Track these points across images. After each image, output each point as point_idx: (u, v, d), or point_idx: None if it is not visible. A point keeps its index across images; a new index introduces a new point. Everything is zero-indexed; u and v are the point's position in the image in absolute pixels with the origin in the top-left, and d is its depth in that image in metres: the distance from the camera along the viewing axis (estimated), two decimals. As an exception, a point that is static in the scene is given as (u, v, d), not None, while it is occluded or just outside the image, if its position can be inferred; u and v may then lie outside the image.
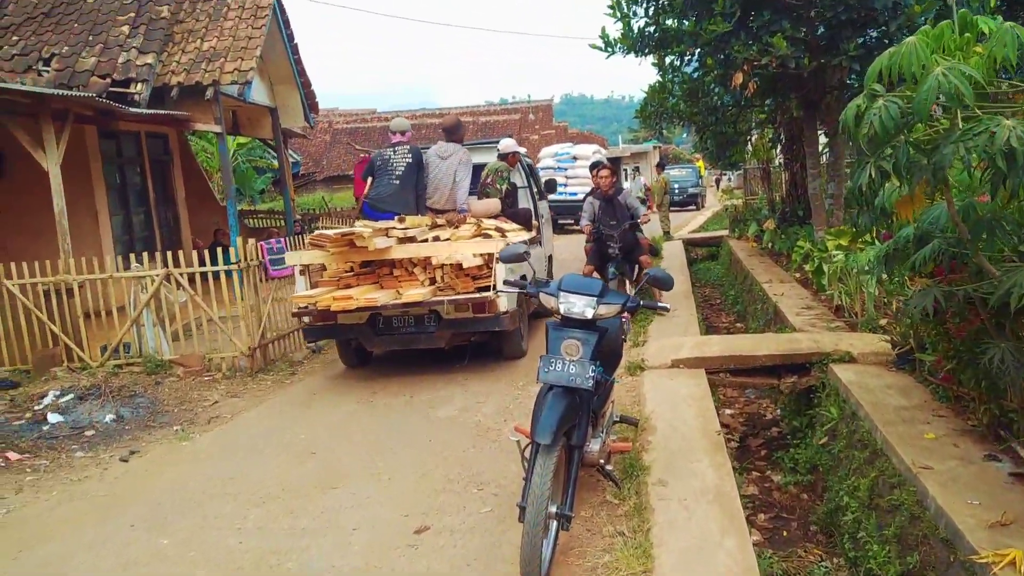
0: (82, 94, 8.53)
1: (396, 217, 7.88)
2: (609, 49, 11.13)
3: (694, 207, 36.69)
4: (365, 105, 53.14)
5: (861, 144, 3.64)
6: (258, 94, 14.14)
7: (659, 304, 4.19)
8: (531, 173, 10.23)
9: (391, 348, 7.98)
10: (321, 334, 7.94)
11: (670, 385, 6.31)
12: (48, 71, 11.23)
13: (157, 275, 8.25)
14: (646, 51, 11.34)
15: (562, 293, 3.97)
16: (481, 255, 7.23)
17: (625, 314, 4.07)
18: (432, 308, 7.34)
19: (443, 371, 7.93)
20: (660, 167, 23.67)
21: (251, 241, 8.58)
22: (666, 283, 4.11)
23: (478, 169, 9.11)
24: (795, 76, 10.19)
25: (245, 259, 8.30)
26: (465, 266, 7.15)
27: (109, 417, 6.80)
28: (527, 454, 3.79)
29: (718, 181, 55.59)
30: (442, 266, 7.28)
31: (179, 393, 7.62)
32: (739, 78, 9.57)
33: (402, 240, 7.42)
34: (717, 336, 8.76)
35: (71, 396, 7.18)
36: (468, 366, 7.99)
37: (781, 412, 8.02)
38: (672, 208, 22.78)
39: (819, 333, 7.36)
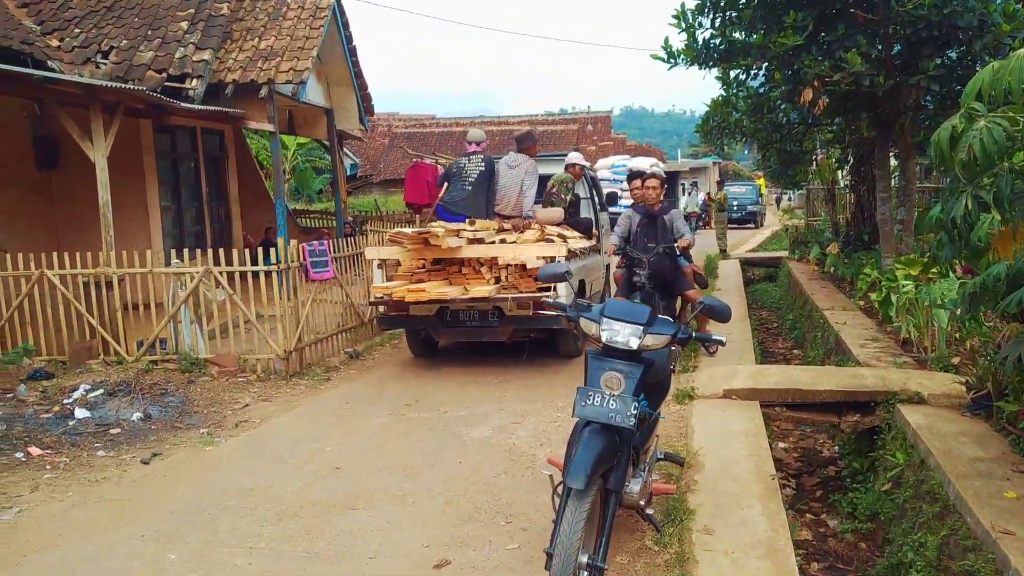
0: (130, 87, 8.47)
1: (467, 220, 8.52)
2: (672, 60, 10.71)
3: (753, 225, 35.82)
4: (425, 110, 53.41)
5: (956, 170, 3.20)
6: (314, 95, 14.07)
7: (713, 337, 3.78)
8: (594, 185, 10.61)
9: (457, 339, 8.78)
10: (394, 323, 8.59)
11: (721, 418, 5.88)
12: (106, 64, 11.27)
13: (197, 272, 8.11)
14: (710, 63, 10.89)
15: (605, 320, 3.61)
16: (544, 257, 7.75)
17: (675, 344, 3.69)
18: (496, 304, 7.92)
19: (481, 386, 7.61)
20: (720, 183, 23.11)
21: (292, 242, 8.39)
22: (722, 314, 3.70)
23: (544, 179, 9.72)
24: (868, 95, 9.66)
25: (286, 260, 8.10)
26: (529, 267, 7.76)
27: (136, 415, 6.64)
28: (559, 491, 3.43)
29: (778, 200, 54.45)
30: (507, 266, 7.91)
31: (210, 394, 7.44)
32: (808, 94, 9.08)
33: (472, 241, 8.05)
34: (774, 366, 8.26)
35: (101, 391, 7.04)
36: (507, 383, 7.67)
37: (839, 450, 7.50)
38: (730, 225, 22.15)
39: (885, 369, 6.84)
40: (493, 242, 8.04)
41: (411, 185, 15.15)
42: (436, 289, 7.74)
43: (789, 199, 57.68)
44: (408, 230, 8.30)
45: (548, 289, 7.63)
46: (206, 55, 11.57)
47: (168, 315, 8.21)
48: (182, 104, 9.90)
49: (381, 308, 8.27)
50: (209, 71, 11.56)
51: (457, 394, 7.37)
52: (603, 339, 3.59)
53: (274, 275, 8.08)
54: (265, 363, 8.17)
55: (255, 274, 8.17)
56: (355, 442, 5.99)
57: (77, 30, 11.74)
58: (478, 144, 9.47)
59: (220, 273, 8.13)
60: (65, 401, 6.90)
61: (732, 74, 11.35)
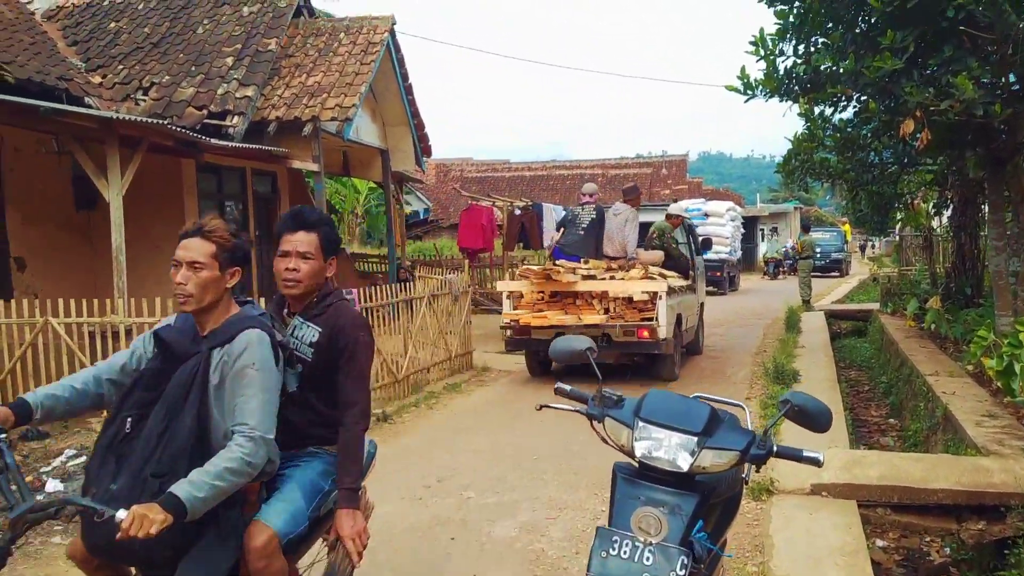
0: (148, 120, 7.84)
1: (580, 260, 9.88)
2: (749, 92, 9.55)
3: (837, 273, 33.89)
4: (500, 156, 53.20)
5: None
6: (368, 135, 13.43)
7: (806, 454, 2.59)
8: (690, 232, 12.04)
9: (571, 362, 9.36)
10: (519, 345, 9.97)
11: (809, 525, 4.63)
12: (145, 100, 10.82)
13: (208, 323, 7.29)
14: (793, 95, 9.69)
15: (641, 423, 2.51)
16: (647, 292, 9.29)
17: (747, 463, 2.55)
18: (605, 331, 9.24)
19: (517, 463, 6.51)
20: (805, 228, 21.63)
21: (314, 291, 7.52)
22: (819, 420, 2.53)
23: (646, 225, 11.26)
24: (980, 127, 8.32)
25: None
26: (635, 299, 9.30)
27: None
28: None
29: (863, 247, 51.90)
30: (615, 299, 9.37)
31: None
32: (909, 125, 7.81)
33: (585, 277, 9.51)
34: (874, 453, 6.88)
35: (83, 459, 6.22)
36: (547, 462, 6.55)
37: (952, 554, 6.09)
38: (814, 273, 20.57)
39: (1015, 460, 5.46)
40: (603, 279, 9.49)
41: (465, 230, 14.39)
42: (555, 317, 9.41)
43: (874, 246, 55.02)
44: (535, 267, 10.13)
45: (651, 319, 9.16)
46: (249, 91, 11.01)
47: (176, 370, 7.39)
48: (212, 141, 9.26)
49: (508, 332, 9.71)
50: (252, 108, 11.00)
51: (489, 473, 6.28)
52: (637, 453, 2.49)
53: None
54: (279, 427, 7.26)
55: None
56: (353, 537, 4.94)
57: (120, 66, 11.37)
58: (591, 196, 10.78)
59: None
60: (43, 470, 6.10)
61: (816, 111, 10.14)
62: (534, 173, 43.55)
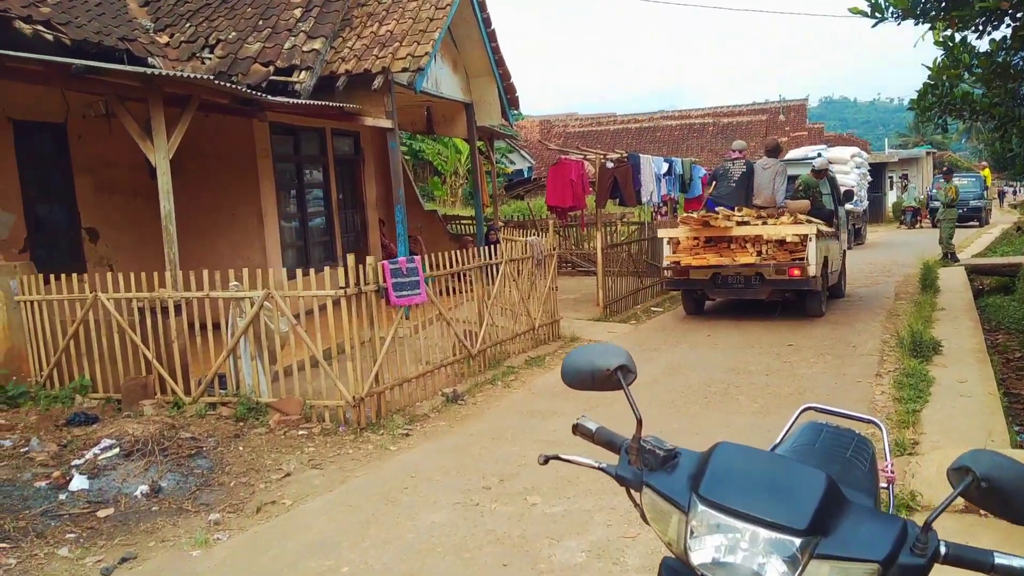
0: (192, 75, 7.17)
1: (734, 208, 10.94)
2: (877, 14, 8.02)
3: (977, 223, 30.84)
4: (607, 110, 51.18)
5: None
6: (450, 87, 12.52)
7: (997, 560, 1.50)
8: (833, 184, 12.85)
9: (727, 297, 11.28)
10: (677, 284, 11.32)
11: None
12: (211, 58, 10.25)
13: (257, 297, 6.64)
14: (931, 15, 8.11)
15: (703, 506, 1.52)
16: (796, 235, 10.19)
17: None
18: (759, 270, 10.32)
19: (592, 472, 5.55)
20: (948, 174, 19.42)
21: (369, 259, 6.74)
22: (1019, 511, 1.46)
23: (792, 178, 12.34)
24: None
25: (356, 282, 6.45)
26: (786, 242, 10.20)
27: (142, 488, 5.19)
28: None
29: (1002, 194, 47.41)
30: (768, 242, 10.28)
31: (254, 453, 5.90)
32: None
33: (739, 223, 10.53)
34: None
35: (116, 450, 5.68)
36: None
37: None
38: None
39: None
40: (756, 224, 10.54)
41: (553, 187, 13.29)
42: (712, 258, 10.51)
43: (1015, 192, 50.18)
44: (694, 214, 11.21)
45: (801, 259, 10.13)
46: (317, 44, 10.27)
47: (226, 348, 6.81)
48: (268, 98, 8.55)
49: (668, 272, 11.07)
50: (321, 62, 10.26)
51: (559, 472, 5.35)
52: (694, 560, 1.50)
53: (342, 302, 6.45)
54: (333, 411, 6.57)
55: (335, 300, 6.57)
56: (386, 560, 4.14)
57: (188, 24, 10.84)
58: (740, 152, 12.07)
59: (283, 299, 6.62)
60: (74, 462, 5.59)
61: (958, 36, 8.47)
62: (640, 125, 41.76)
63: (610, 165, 12.37)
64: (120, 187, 10.50)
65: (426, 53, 10.26)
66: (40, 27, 8.45)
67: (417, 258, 7.19)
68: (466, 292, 8.39)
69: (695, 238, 10.76)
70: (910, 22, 8.09)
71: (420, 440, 6.25)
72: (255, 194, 11.06)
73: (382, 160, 16.67)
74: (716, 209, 11.08)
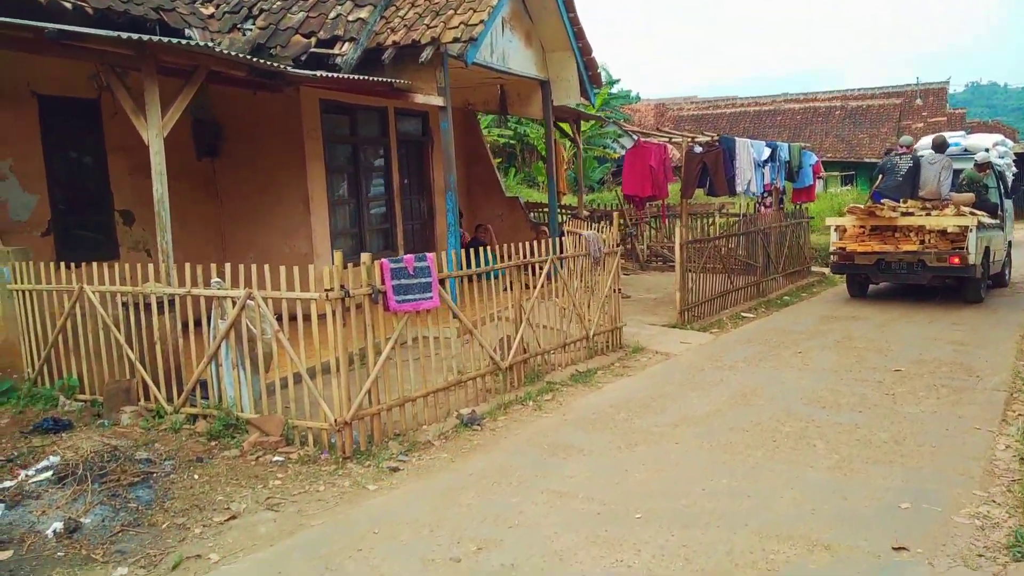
0: (184, 42, 6.29)
1: (899, 200, 11.64)
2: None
3: None
4: (729, 93, 48.43)
5: None
6: (520, 62, 11.36)
7: None
8: (1000, 178, 13.08)
9: (889, 282, 12.07)
10: (842, 269, 12.06)
11: None
12: (252, 29, 9.47)
13: (238, 296, 5.74)
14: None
15: None
16: (958, 225, 10.82)
17: None
18: (921, 257, 10.99)
19: (605, 522, 4.33)
20: None
21: (364, 257, 5.71)
22: None
23: (958, 172, 12.56)
24: None
25: (341, 285, 5.43)
26: (948, 232, 10.87)
27: (56, 527, 4.36)
28: None
29: None
30: (930, 232, 10.99)
31: (208, 484, 5.00)
32: None
33: (904, 214, 11.30)
34: None
35: (49, 474, 4.89)
36: (650, 527, 4.31)
37: None
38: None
39: None
40: (920, 215, 11.20)
41: (630, 172, 11.94)
42: (876, 245, 11.26)
43: None
44: (860, 205, 12.11)
45: (962, 248, 10.72)
46: (363, 13, 9.33)
47: (207, 354, 5.95)
48: (290, 71, 7.66)
49: (834, 257, 11.90)
50: (367, 33, 9.32)
51: (553, 542, 4.18)
52: None
53: (328, 308, 5.45)
54: (317, 434, 5.59)
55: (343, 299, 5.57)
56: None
57: (235, -6, 10.11)
58: (907, 147, 12.63)
59: (265, 300, 5.69)
60: (4, 485, 4.84)
61: None
62: (760, 108, 39.27)
63: (698, 150, 10.93)
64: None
65: (481, 22, 9.13)
66: (59, -6, 7.84)
67: (431, 256, 6.11)
68: (499, 295, 7.26)
69: (861, 226, 11.49)
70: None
71: (408, 478, 5.18)
72: (301, 178, 10.26)
73: (460, 141, 15.76)
74: (882, 201, 11.76)
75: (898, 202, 11.59)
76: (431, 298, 6.01)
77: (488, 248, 7.30)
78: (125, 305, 6.32)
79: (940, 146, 12.35)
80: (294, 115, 10.15)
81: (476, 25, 9.09)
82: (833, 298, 12.62)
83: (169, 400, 6.17)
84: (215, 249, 10.64)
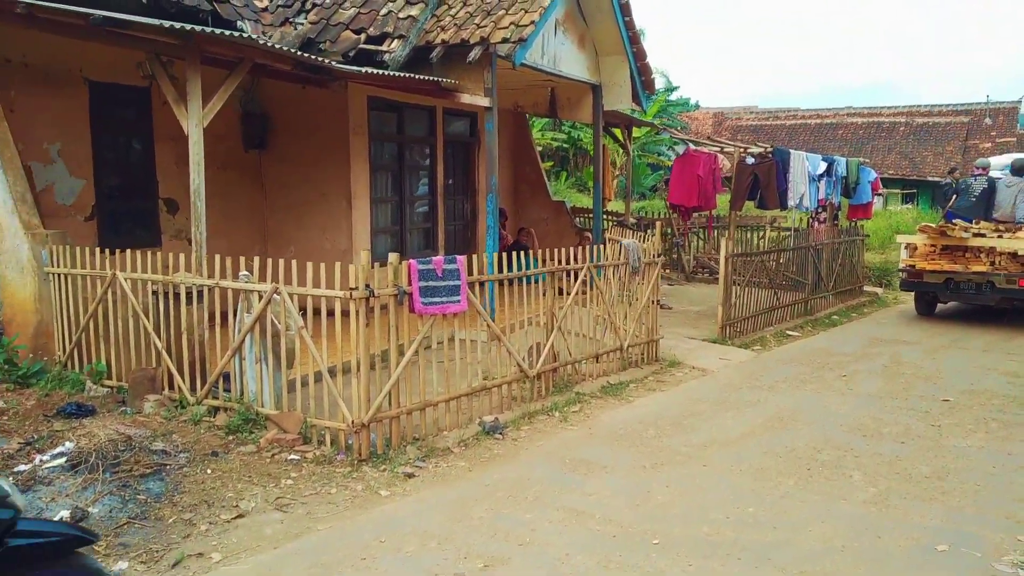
0: (225, 33, 6.28)
1: (972, 222, 11.84)
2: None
3: None
4: (792, 104, 47.48)
5: None
6: (572, 65, 11.19)
7: None
8: None
9: (956, 302, 11.97)
10: (911, 286, 12.04)
11: None
12: (303, 23, 9.48)
13: (264, 291, 5.68)
14: None
15: None
16: None
17: None
18: (990, 279, 11.09)
19: (614, 551, 4.14)
20: None
21: (392, 257, 5.60)
22: None
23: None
24: None
25: (366, 284, 5.33)
26: (1019, 253, 11.07)
27: (62, 515, 4.33)
28: None
29: None
30: (1001, 254, 11.22)
31: (220, 480, 4.94)
32: None
33: (976, 235, 11.51)
34: None
35: (63, 460, 4.88)
36: (666, 555, 4.10)
37: None
38: None
39: None
40: (992, 237, 11.41)
41: (677, 181, 11.66)
42: (946, 264, 11.39)
43: None
44: (932, 224, 12.50)
45: None
46: (414, 10, 9.27)
47: (231, 347, 5.91)
48: (335, 65, 7.61)
49: (903, 275, 12.02)
50: (417, 31, 9.25)
51: (560, 569, 4.00)
52: None
53: (352, 307, 5.36)
54: (335, 434, 5.50)
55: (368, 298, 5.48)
56: None
57: (289, -13, 10.14)
58: (984, 169, 13.12)
59: (291, 296, 5.61)
60: (19, 468, 4.85)
61: None
62: (821, 121, 38.38)
63: (750, 161, 10.61)
64: (207, 158, 9.93)
65: (532, 22, 8.98)
66: (113, -18, 7.92)
67: (461, 259, 5.97)
68: (530, 301, 7.09)
69: (932, 245, 11.75)
70: None
71: (423, 485, 5.05)
72: (344, 174, 10.23)
73: (508, 143, 15.65)
74: (954, 221, 12.00)
75: (970, 223, 11.74)
76: (459, 302, 5.88)
77: (528, 252, 7.18)
78: (155, 294, 6.32)
79: (1020, 169, 12.33)
80: (341, 111, 10.13)
81: (527, 26, 8.95)
82: (885, 319, 12.17)
83: (192, 391, 6.15)
84: (258, 240, 10.68)
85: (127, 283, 6.41)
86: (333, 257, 7.48)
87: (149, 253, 6.53)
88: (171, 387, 6.28)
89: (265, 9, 9.94)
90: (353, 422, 5.28)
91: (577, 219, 16.51)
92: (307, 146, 10.43)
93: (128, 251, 6.62)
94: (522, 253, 6.98)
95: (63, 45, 7.80)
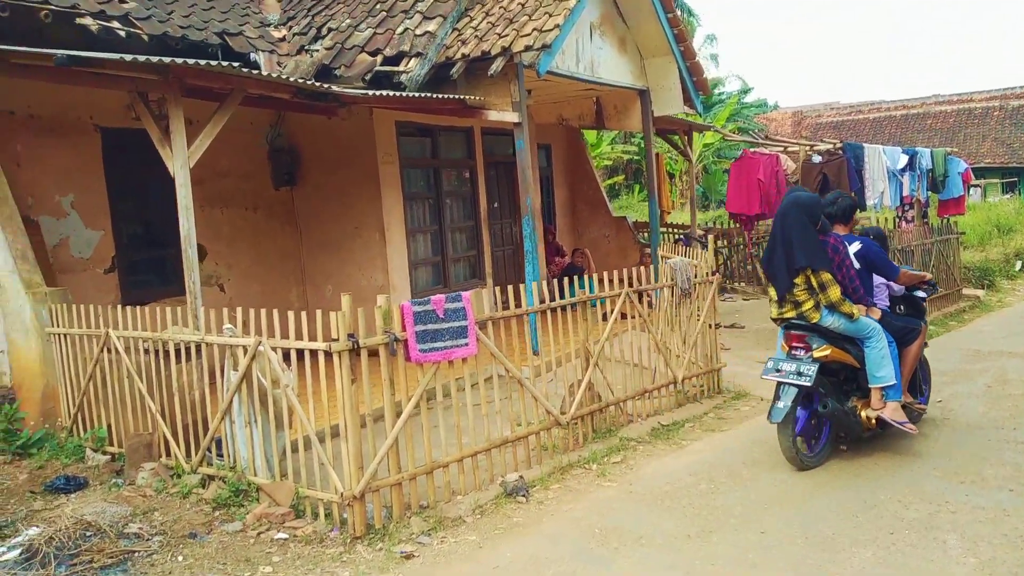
0: (204, 63, 5.75)
1: None
2: None
3: None
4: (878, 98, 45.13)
5: None
6: (613, 71, 10.40)
7: None
8: None
9: None
10: None
11: None
12: (318, 50, 8.98)
13: (248, 344, 5.08)
14: None
15: None
16: None
17: None
18: None
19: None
20: None
21: (380, 299, 4.92)
22: None
23: None
24: None
25: (349, 334, 4.64)
26: None
27: (-6, 624, 3.78)
28: None
29: None
30: None
31: (189, 569, 4.31)
32: None
33: None
34: None
35: (17, 553, 4.34)
36: None
37: None
38: None
39: None
40: None
41: (735, 188, 10.64)
42: None
43: None
44: None
45: None
46: (431, 26, 8.66)
47: (220, 409, 5.33)
48: (334, 89, 7.03)
49: None
50: (436, 47, 8.64)
51: None
52: None
53: (336, 361, 4.68)
54: (328, 506, 4.82)
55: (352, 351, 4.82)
56: None
57: (306, 15, 9.70)
58: None
59: (275, 349, 4.99)
60: (-25, 560, 4.34)
61: None
62: (907, 112, 36.24)
63: (817, 159, 9.55)
64: (233, 199, 9.61)
65: (556, 26, 8.24)
66: (114, 23, 7.58)
67: (466, 296, 5.24)
68: (583, 332, 6.29)
69: None
70: None
71: (421, 568, 4.31)
72: (376, 205, 9.67)
73: (562, 159, 14.91)
74: None
75: None
76: (467, 344, 5.15)
77: (583, 275, 6.47)
78: (147, 352, 5.82)
79: None
80: (367, 139, 9.61)
81: (551, 31, 8.20)
82: (988, 327, 10.80)
83: (188, 458, 5.60)
84: (295, 282, 10.24)
85: (120, 341, 5.93)
86: (370, 294, 6.97)
87: (158, 307, 6.04)
88: (167, 453, 5.75)
89: (282, 39, 9.51)
90: (343, 494, 4.59)
91: (642, 234, 15.57)
92: (338, 179, 9.93)
93: (127, 307, 6.15)
94: (568, 279, 6.24)
95: (70, 93, 7.50)
